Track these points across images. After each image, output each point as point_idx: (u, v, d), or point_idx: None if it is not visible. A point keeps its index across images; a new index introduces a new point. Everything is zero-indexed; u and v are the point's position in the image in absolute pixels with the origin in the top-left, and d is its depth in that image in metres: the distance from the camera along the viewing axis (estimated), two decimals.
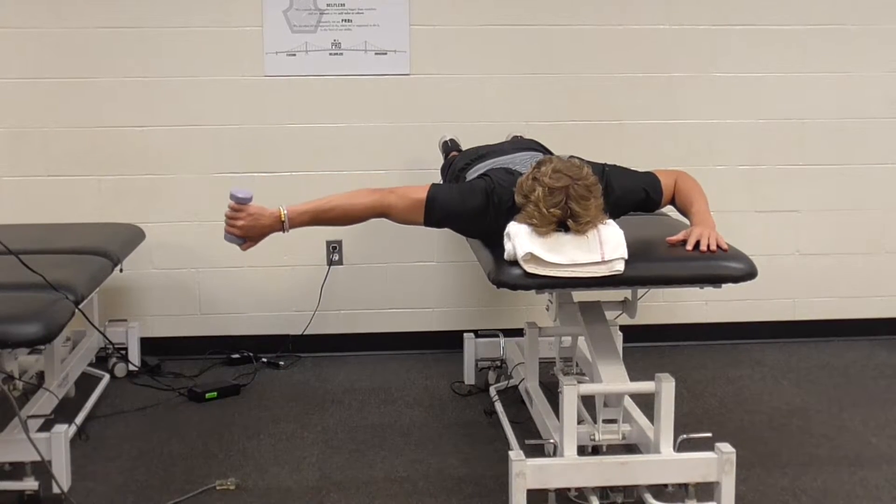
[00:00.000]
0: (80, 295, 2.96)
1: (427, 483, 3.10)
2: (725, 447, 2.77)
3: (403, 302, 4.44)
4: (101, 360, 4.10)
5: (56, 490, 2.90)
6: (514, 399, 3.66)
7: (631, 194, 2.95)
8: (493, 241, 2.85)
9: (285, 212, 2.83)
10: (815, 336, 4.60)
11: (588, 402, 3.01)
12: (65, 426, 2.98)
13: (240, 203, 2.82)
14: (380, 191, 2.88)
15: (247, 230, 2.84)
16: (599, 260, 2.64)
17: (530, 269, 2.64)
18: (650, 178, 2.99)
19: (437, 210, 2.86)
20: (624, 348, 3.38)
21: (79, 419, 3.44)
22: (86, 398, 3.68)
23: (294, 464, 3.25)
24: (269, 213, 2.83)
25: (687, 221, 2.98)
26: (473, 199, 2.87)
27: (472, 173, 3.15)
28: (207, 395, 3.82)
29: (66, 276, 2.97)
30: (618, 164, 3.05)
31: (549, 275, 2.64)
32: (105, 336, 4.00)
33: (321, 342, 4.42)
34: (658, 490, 2.81)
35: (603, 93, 4.38)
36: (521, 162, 3.04)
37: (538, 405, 3.22)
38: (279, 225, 2.84)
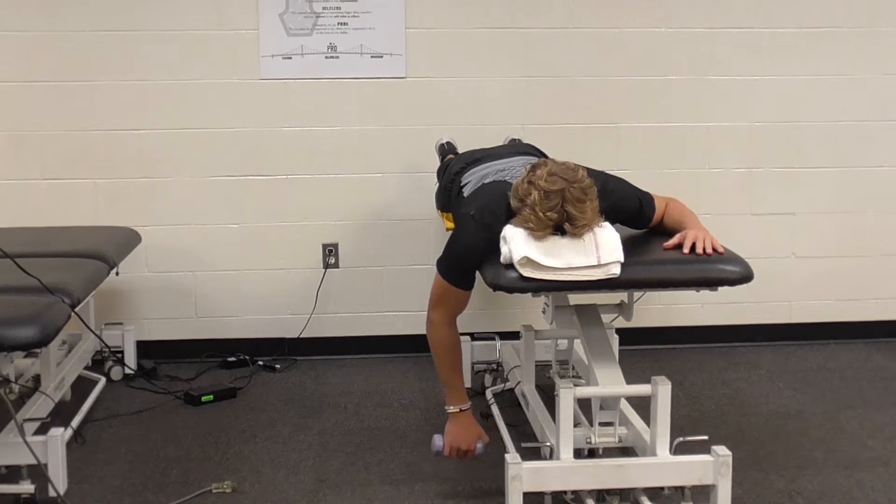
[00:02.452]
0: (76, 298, 2.95)
1: (423, 486, 3.10)
2: (722, 450, 2.77)
3: (399, 305, 4.44)
4: (98, 364, 4.10)
5: (52, 493, 2.90)
6: (510, 402, 3.66)
7: (625, 203, 2.95)
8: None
9: (453, 409, 3.05)
10: (811, 339, 4.60)
11: (584, 404, 3.01)
12: (61, 429, 2.98)
13: (441, 446, 3.05)
14: (428, 321, 3.05)
15: (469, 441, 3.02)
16: (595, 263, 2.64)
17: (526, 272, 2.64)
18: (645, 193, 3.00)
19: (456, 269, 2.90)
20: (620, 351, 3.38)
21: (75, 422, 3.43)
22: (82, 401, 3.67)
23: (290, 467, 3.24)
24: (452, 423, 3.04)
25: None
26: (467, 232, 2.86)
27: (468, 176, 3.16)
28: (203, 399, 3.82)
29: (62, 280, 2.97)
30: (614, 169, 3.04)
31: (545, 278, 2.64)
32: (101, 339, 3.99)
33: (317, 345, 4.41)
34: (654, 493, 2.81)
35: (599, 95, 4.39)
36: (516, 167, 3.04)
37: (534, 408, 3.22)
38: (463, 413, 3.05)
